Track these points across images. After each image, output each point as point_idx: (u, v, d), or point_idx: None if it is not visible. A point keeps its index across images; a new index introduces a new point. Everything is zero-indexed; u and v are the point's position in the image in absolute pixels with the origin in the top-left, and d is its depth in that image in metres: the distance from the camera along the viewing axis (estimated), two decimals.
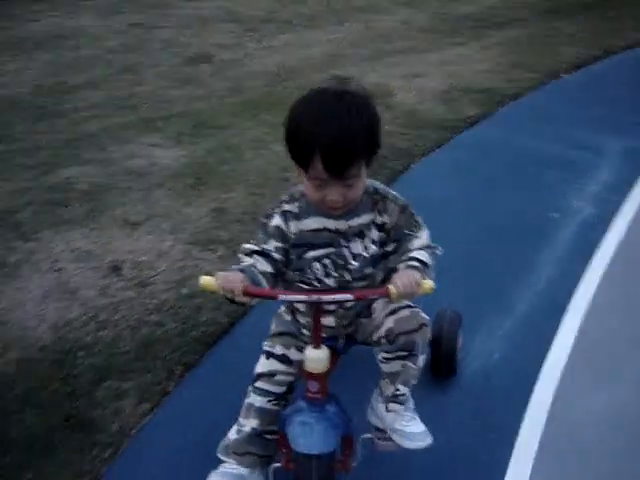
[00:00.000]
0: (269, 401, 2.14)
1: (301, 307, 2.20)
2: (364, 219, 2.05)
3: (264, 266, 1.98)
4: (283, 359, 2.15)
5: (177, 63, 6.67)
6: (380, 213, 2.06)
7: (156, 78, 6.26)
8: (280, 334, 2.20)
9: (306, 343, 2.09)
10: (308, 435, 2.04)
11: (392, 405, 2.19)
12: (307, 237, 2.05)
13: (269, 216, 2.06)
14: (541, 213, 4.02)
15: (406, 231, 2.07)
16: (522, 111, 5.78)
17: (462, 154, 4.88)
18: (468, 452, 2.42)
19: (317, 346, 2.03)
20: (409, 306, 2.11)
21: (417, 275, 1.90)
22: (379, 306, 2.18)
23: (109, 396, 2.69)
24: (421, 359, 2.15)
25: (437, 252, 2.09)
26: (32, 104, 5.57)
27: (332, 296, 1.93)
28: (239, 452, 2.18)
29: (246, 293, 1.83)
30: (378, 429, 2.24)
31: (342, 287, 2.08)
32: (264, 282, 1.95)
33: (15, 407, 2.63)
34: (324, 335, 2.06)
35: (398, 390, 2.16)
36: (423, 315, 2.12)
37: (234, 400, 2.24)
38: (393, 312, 2.11)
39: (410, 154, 4.72)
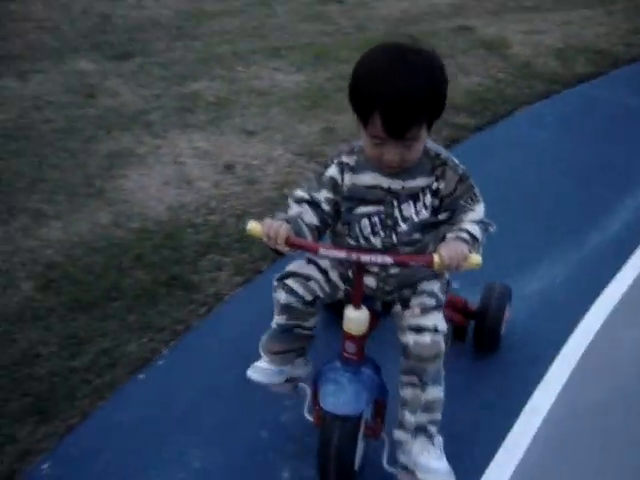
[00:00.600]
0: (296, 301, 2.04)
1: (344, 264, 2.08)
2: (420, 182, 1.95)
3: (311, 217, 1.94)
4: (323, 272, 2.07)
5: (310, 1, 6.95)
6: (437, 179, 1.96)
7: (288, 13, 6.57)
8: (329, 259, 2.06)
9: (346, 285, 2.06)
10: (337, 394, 1.99)
11: (409, 438, 2.06)
12: (360, 192, 1.97)
13: (326, 165, 2.00)
14: (629, 165, 4.08)
15: (462, 202, 1.97)
16: (635, 75, 5.71)
17: (566, 107, 4.93)
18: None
19: (357, 306, 1.96)
20: (435, 331, 1.98)
21: (465, 248, 1.83)
22: (415, 309, 2.04)
23: (210, 267, 3.06)
24: (433, 391, 2.02)
25: (490, 229, 2.00)
26: (172, 26, 6.01)
27: (371, 256, 1.85)
28: (272, 350, 2.17)
29: (288, 243, 1.80)
30: (402, 466, 2.08)
31: (387, 249, 1.98)
32: (308, 234, 1.91)
33: (129, 265, 3.05)
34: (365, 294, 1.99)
35: (409, 421, 2.05)
36: (441, 345, 1.98)
37: None
38: (417, 330, 1.99)
39: (516, 101, 4.82)
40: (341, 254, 1.84)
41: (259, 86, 4.75)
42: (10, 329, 2.72)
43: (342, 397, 1.97)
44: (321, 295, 2.06)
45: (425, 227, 1.99)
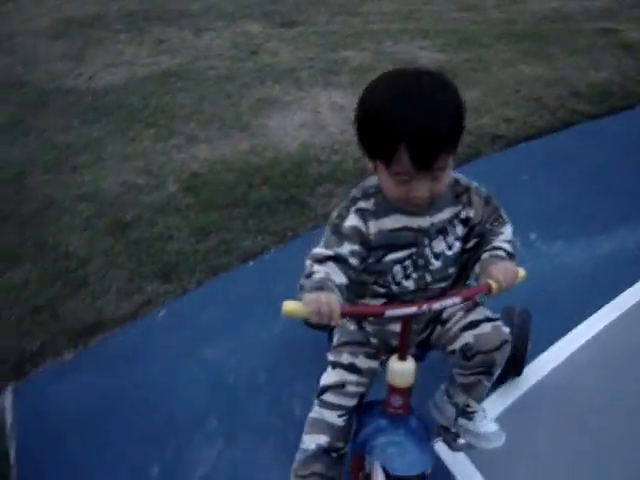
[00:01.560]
0: (339, 416, 1.88)
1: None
2: (447, 214, 1.80)
3: (340, 277, 1.68)
4: (351, 368, 1.88)
5: None
6: (464, 207, 1.81)
7: (445, 2, 6.94)
8: (345, 343, 1.92)
9: (375, 351, 1.91)
10: (402, 455, 1.84)
11: (462, 420, 2.01)
12: (387, 238, 1.77)
13: (342, 216, 1.76)
14: None
15: (488, 226, 1.84)
16: None
17: None
18: None
19: (403, 357, 1.81)
20: (489, 319, 1.85)
21: (511, 264, 1.72)
22: (455, 314, 1.92)
23: (324, 193, 3.54)
24: (495, 375, 1.92)
25: (517, 245, 1.85)
26: (336, 3, 6.56)
27: (440, 302, 1.67)
28: (303, 475, 1.93)
29: (344, 314, 1.59)
30: (444, 427, 2.05)
31: (421, 289, 1.83)
32: (341, 297, 1.64)
33: (258, 183, 3.59)
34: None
35: (469, 406, 1.99)
36: (505, 330, 1.85)
37: None
38: (472, 326, 1.86)
39: (638, 97, 4.80)
40: (411, 310, 1.65)
41: (401, 59, 5.17)
42: (155, 216, 3.34)
43: (408, 457, 1.83)
44: (363, 391, 1.90)
45: (456, 260, 1.86)
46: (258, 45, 5.27)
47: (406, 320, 1.72)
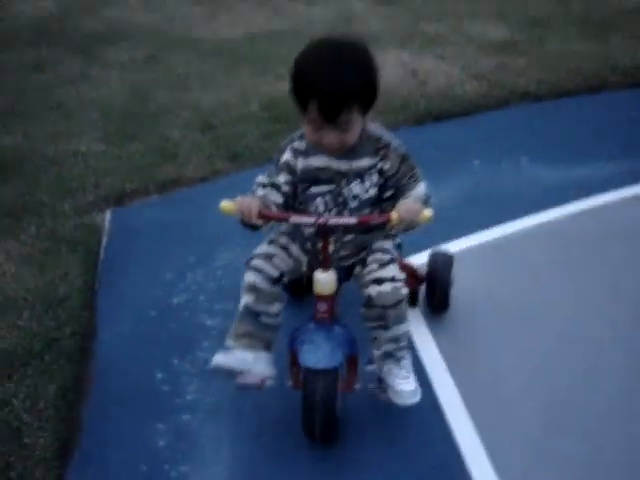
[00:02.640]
0: (263, 280, 2.17)
1: (305, 234, 2.25)
2: (366, 162, 2.13)
3: (275, 197, 2.13)
4: (284, 248, 2.24)
5: None
6: (382, 159, 2.13)
7: None
8: (286, 233, 2.28)
9: (307, 258, 2.25)
10: (315, 351, 2.13)
11: (380, 360, 2.25)
12: (312, 173, 2.15)
13: (280, 151, 2.20)
14: None
15: (404, 181, 2.14)
16: None
17: None
18: None
19: (326, 269, 2.13)
20: (393, 279, 2.14)
21: (418, 205, 2.01)
22: (372, 265, 2.20)
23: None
24: (398, 328, 2.18)
25: (429, 202, 2.14)
26: None
27: (338, 219, 2.07)
28: (237, 334, 2.22)
29: (261, 216, 1.99)
30: (379, 379, 2.30)
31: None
32: (273, 209, 2.09)
33: None
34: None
35: (380, 350, 2.23)
36: (402, 291, 2.15)
37: None
38: (377, 282, 2.15)
39: None
40: (310, 219, 2.05)
41: (469, 34, 5.98)
42: (236, 123, 4.50)
43: (320, 353, 2.12)
44: (285, 269, 2.21)
45: (373, 204, 2.18)
46: (354, 16, 6.31)
47: (323, 235, 2.10)
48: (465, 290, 2.89)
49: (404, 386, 2.20)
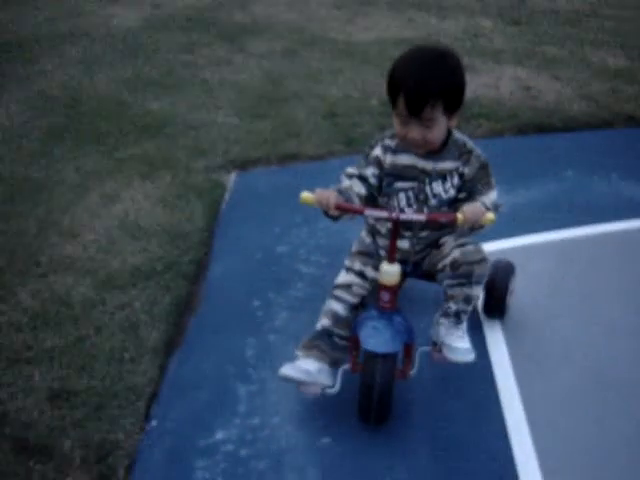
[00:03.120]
0: (343, 308, 2.40)
1: (382, 229, 2.43)
2: (449, 165, 2.30)
3: (359, 188, 2.30)
4: (360, 274, 2.41)
5: None
6: (463, 164, 2.30)
7: None
8: (359, 253, 2.46)
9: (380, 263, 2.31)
10: (377, 336, 2.26)
11: (443, 319, 2.41)
12: (398, 170, 2.32)
13: (372, 147, 2.37)
14: None
15: (479, 186, 2.30)
16: None
17: None
18: None
19: (391, 262, 2.25)
20: (477, 244, 2.32)
21: (482, 208, 2.18)
22: (449, 240, 2.36)
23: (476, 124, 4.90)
24: (476, 288, 2.35)
25: (500, 207, 2.34)
26: (565, 16, 7.64)
27: (408, 215, 2.22)
28: (307, 346, 2.42)
29: (337, 207, 2.14)
30: (434, 342, 2.46)
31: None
32: (357, 201, 2.26)
33: None
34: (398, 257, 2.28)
35: (450, 307, 2.38)
36: (484, 251, 2.33)
37: None
38: (460, 245, 2.30)
39: None
40: (383, 213, 2.20)
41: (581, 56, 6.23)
42: (354, 114, 4.94)
43: (381, 338, 2.26)
44: (364, 294, 2.42)
45: (450, 204, 2.33)
46: (481, 33, 6.66)
47: (394, 230, 2.21)
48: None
49: (460, 343, 2.38)
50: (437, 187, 2.32)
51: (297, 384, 2.36)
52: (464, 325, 2.42)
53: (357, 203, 2.27)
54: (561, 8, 7.47)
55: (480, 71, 5.70)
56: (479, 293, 2.43)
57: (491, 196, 2.31)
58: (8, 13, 7.24)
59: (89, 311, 2.95)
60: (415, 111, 2.14)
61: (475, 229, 2.24)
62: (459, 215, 2.13)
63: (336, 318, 2.41)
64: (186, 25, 6.87)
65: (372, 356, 2.25)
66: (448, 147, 2.29)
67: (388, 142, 2.34)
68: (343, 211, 2.18)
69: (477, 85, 5.39)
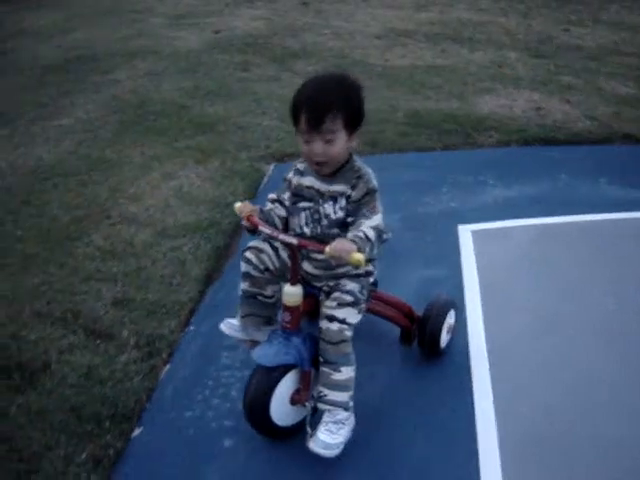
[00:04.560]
0: (253, 269, 2.51)
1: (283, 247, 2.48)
2: (339, 188, 2.36)
3: (280, 211, 2.47)
4: (274, 249, 2.52)
5: None
6: (352, 188, 2.35)
7: None
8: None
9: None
10: (264, 349, 2.37)
11: (319, 404, 2.39)
12: (301, 190, 2.44)
13: (288, 171, 2.51)
14: None
15: (364, 210, 2.32)
16: None
17: None
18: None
19: (293, 283, 2.34)
20: (343, 322, 2.32)
21: (352, 246, 2.14)
22: (333, 302, 2.37)
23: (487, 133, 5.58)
24: (343, 370, 2.34)
25: (384, 236, 2.35)
26: (586, 53, 8.28)
27: (283, 236, 2.28)
28: (242, 313, 2.62)
29: (248, 219, 2.32)
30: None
31: (314, 237, 2.39)
32: (277, 221, 2.44)
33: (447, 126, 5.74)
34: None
35: (321, 392, 2.38)
36: (347, 333, 2.33)
37: None
38: (330, 319, 2.34)
39: None
40: (267, 230, 2.29)
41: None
42: (382, 124, 5.68)
43: (265, 351, 2.35)
44: (270, 267, 2.52)
45: (341, 225, 2.38)
46: (505, 63, 7.35)
47: (291, 252, 2.31)
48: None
49: (324, 435, 2.32)
50: (328, 208, 2.39)
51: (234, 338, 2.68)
52: (343, 416, 2.38)
53: (278, 223, 2.45)
54: (586, 45, 8.10)
55: (498, 94, 6.38)
56: (347, 376, 2.37)
57: (374, 220, 2.31)
58: (87, 33, 8.26)
59: (147, 250, 3.71)
60: (316, 123, 2.23)
61: (341, 264, 2.31)
62: (327, 248, 2.15)
63: (249, 279, 2.55)
64: (242, 48, 7.74)
65: (256, 366, 2.38)
66: (344, 170, 2.37)
67: (299, 166, 2.48)
68: (250, 223, 2.33)
69: (494, 105, 6.08)
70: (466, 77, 6.85)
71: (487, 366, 2.93)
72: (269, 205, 2.50)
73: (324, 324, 2.35)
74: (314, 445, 2.32)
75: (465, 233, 4.06)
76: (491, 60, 7.41)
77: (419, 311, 2.87)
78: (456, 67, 7.13)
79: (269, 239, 2.48)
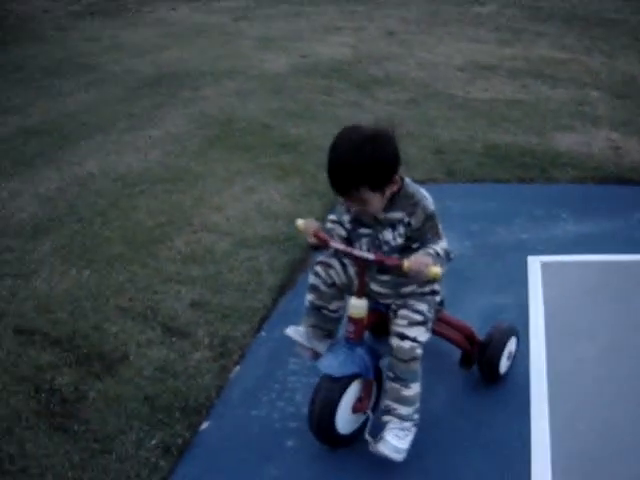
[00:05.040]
0: (322, 283, 2.60)
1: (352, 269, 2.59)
2: (397, 215, 2.40)
3: (340, 231, 2.56)
4: (342, 264, 2.60)
5: None
6: (409, 215, 2.38)
7: None
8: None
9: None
10: (330, 359, 2.45)
11: (385, 417, 2.48)
12: (359, 218, 2.49)
13: None
14: None
15: (429, 235, 2.40)
16: None
17: None
18: None
19: (359, 296, 2.45)
20: (414, 340, 2.40)
21: (429, 259, 2.25)
22: (402, 320, 2.45)
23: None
24: (411, 387, 2.43)
25: (451, 256, 2.41)
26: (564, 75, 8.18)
27: (360, 252, 2.40)
28: (307, 324, 2.72)
29: (315, 236, 2.43)
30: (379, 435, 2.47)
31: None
32: (338, 240, 2.50)
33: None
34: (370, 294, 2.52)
35: (387, 405, 2.48)
36: (418, 351, 2.40)
37: None
38: (401, 337, 2.42)
39: None
40: (340, 246, 2.42)
41: None
42: (460, 154, 5.78)
43: (331, 361, 2.43)
44: (337, 282, 2.60)
45: (402, 251, 2.42)
46: (586, 102, 7.22)
47: (359, 267, 2.44)
48: None
49: (395, 441, 2.41)
50: (387, 235, 2.44)
51: (297, 345, 2.75)
52: (406, 427, 2.47)
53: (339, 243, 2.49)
54: None
55: (577, 132, 6.37)
56: (411, 393, 2.45)
57: (441, 245, 2.38)
58: (180, 51, 8.65)
59: (226, 258, 3.90)
60: (342, 193, 2.33)
61: (420, 279, 2.32)
62: (405, 262, 2.25)
63: (316, 291, 2.65)
64: (327, 74, 7.95)
65: (322, 376, 2.45)
66: (398, 198, 2.39)
67: None
68: (317, 239, 2.45)
69: (571, 142, 6.09)
70: (545, 113, 6.86)
71: (546, 388, 2.98)
72: (329, 225, 2.59)
73: (395, 342, 2.43)
74: (384, 448, 2.40)
75: (534, 264, 4.10)
76: (571, 98, 7.40)
77: (481, 335, 2.91)
78: (536, 103, 7.16)
79: (338, 255, 2.58)
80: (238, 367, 3.10)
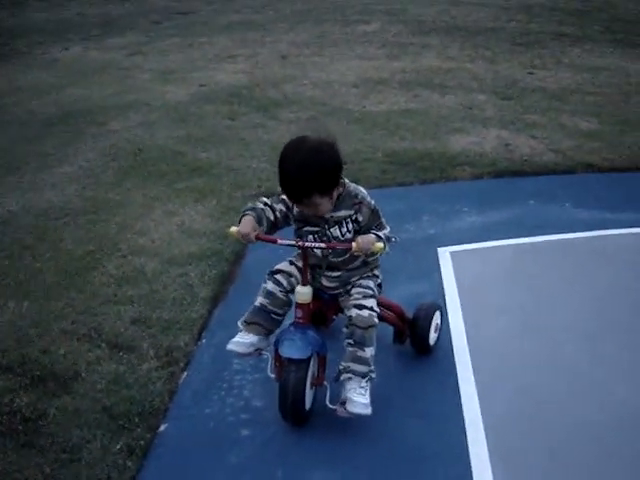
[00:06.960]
0: (280, 291, 2.80)
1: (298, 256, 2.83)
2: (343, 214, 2.65)
3: (269, 214, 2.68)
4: (300, 271, 2.79)
5: None
6: (356, 212, 2.65)
7: None
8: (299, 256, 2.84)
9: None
10: (291, 345, 2.65)
11: (344, 375, 2.73)
12: (305, 217, 2.69)
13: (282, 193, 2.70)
14: None
15: (374, 228, 2.69)
16: None
17: None
18: None
19: (304, 284, 2.71)
20: (371, 309, 2.72)
21: (373, 237, 2.57)
22: (356, 295, 2.76)
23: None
24: (367, 350, 2.70)
25: (393, 240, 2.75)
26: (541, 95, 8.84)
27: (312, 243, 2.61)
28: (248, 321, 2.86)
29: (257, 238, 2.58)
30: (342, 401, 2.72)
31: (324, 256, 2.74)
32: (265, 222, 2.65)
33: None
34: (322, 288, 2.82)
35: (346, 366, 2.73)
36: (375, 320, 2.71)
37: None
38: (359, 307, 2.72)
39: None
40: (292, 242, 2.63)
41: None
42: (363, 163, 6.13)
43: (294, 346, 2.65)
44: (296, 285, 2.79)
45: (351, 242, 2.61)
46: (475, 105, 7.85)
47: (304, 256, 2.69)
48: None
49: (361, 399, 2.66)
50: (335, 231, 2.70)
51: (241, 356, 2.93)
52: (366, 384, 2.73)
53: (264, 223, 2.68)
54: (549, 86, 8.66)
55: (469, 133, 6.89)
56: (370, 354, 2.74)
57: (384, 231, 2.72)
58: (80, 89, 8.71)
59: (158, 276, 4.09)
60: (296, 201, 2.61)
61: (368, 256, 2.71)
62: (354, 244, 2.54)
63: (272, 298, 2.82)
64: (228, 99, 8.20)
65: (287, 362, 2.67)
66: (342, 198, 2.66)
67: None
68: (261, 240, 2.65)
69: (465, 143, 6.58)
70: (438, 119, 7.35)
71: (469, 359, 3.32)
72: (260, 205, 2.73)
73: (354, 312, 2.72)
74: (353, 408, 2.64)
75: (444, 254, 4.48)
76: (461, 103, 7.94)
77: (409, 314, 3.24)
78: (429, 110, 7.65)
79: (295, 264, 2.84)
80: (185, 373, 3.30)
